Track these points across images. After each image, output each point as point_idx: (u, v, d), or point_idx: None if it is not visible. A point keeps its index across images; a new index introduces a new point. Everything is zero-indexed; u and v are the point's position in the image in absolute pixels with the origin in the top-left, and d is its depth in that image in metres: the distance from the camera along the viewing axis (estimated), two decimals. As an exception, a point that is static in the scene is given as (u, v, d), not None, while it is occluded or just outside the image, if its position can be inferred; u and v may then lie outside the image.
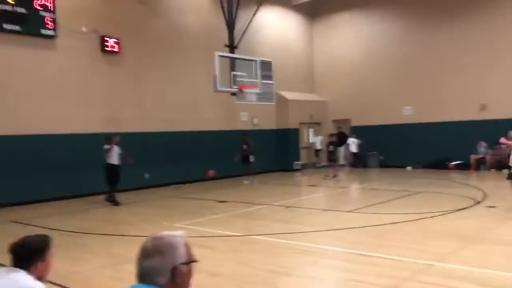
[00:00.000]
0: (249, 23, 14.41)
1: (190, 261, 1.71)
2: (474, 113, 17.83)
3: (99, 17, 14.47)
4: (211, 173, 15.74)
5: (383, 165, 20.08)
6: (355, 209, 10.09)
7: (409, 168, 19.22)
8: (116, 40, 14.75)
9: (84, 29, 14.03)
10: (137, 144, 14.34)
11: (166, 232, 1.76)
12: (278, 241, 7.35)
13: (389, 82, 20.36)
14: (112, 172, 11.70)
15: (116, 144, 11.82)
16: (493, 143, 17.09)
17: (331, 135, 18.36)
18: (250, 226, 8.73)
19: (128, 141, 13.27)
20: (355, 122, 21.37)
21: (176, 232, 1.77)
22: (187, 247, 1.73)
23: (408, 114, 19.81)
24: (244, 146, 16.45)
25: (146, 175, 14.57)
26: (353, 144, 20.60)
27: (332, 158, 17.25)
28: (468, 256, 6.13)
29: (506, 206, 9.78)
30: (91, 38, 14.27)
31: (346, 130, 21.14)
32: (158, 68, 16.12)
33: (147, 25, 15.87)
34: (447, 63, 18.64)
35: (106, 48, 14.55)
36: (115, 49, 14.77)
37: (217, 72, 12.68)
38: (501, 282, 5.11)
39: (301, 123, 21.10)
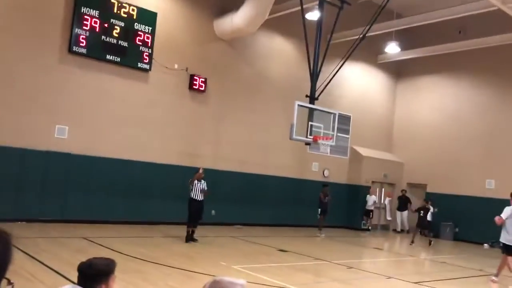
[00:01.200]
0: (333, 77, 14.53)
1: None
2: None
3: (190, 56, 15.37)
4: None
5: (457, 238, 18.82)
6: (423, 282, 9.47)
7: (486, 245, 17.82)
8: (204, 80, 15.51)
9: (176, 66, 14.94)
10: (208, 180, 14.73)
11: (227, 278, 1.76)
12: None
13: (472, 151, 19.36)
14: (198, 208, 11.62)
15: (202, 179, 11.76)
16: None
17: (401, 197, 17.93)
18: (307, 281, 8.49)
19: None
20: (431, 189, 20.39)
21: (239, 280, 1.76)
22: None
23: (490, 187, 18.60)
24: (326, 199, 16.38)
25: (213, 212, 14.82)
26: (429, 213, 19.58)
27: (423, 224, 16.62)
28: None
29: None
30: (181, 75, 15.14)
31: (421, 195, 20.21)
32: (238, 110, 16.65)
33: (233, 68, 16.58)
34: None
35: (193, 86, 15.34)
36: (202, 88, 15.51)
37: (295, 121, 12.82)
38: None
39: (373, 182, 20.53)
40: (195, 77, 15.34)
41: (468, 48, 18.45)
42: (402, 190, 20.26)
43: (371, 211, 19.61)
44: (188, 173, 13.21)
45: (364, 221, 19.68)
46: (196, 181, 11.55)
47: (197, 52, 15.62)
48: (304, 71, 14.85)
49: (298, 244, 13.61)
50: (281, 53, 18.20)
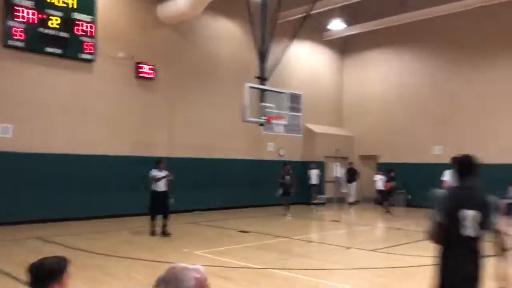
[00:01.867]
0: (281, 57, 14.64)
1: None
2: (506, 156, 17.38)
3: (136, 44, 14.99)
4: None
5: (410, 204, 19.66)
6: (379, 249, 9.87)
7: (436, 209, 18.74)
8: (151, 67, 15.20)
9: (120, 54, 14.54)
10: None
11: (183, 265, 1.75)
12: (297, 277, 7.24)
13: (419, 120, 20.15)
14: (163, 200, 10.90)
15: (164, 169, 11.09)
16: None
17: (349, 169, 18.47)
18: (270, 259, 8.64)
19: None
20: (382, 159, 21.12)
21: (195, 266, 1.75)
22: (200, 281, 1.69)
23: (437, 153, 19.47)
24: (287, 178, 15.95)
25: (172, 200, 14.67)
26: (380, 181, 20.28)
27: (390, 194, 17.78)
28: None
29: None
30: (127, 63, 14.75)
31: (373, 167, 20.90)
32: (190, 95, 16.48)
33: (181, 53, 16.34)
34: (479, 103, 18.36)
35: (140, 74, 15.01)
36: (150, 75, 15.21)
37: (247, 103, 12.86)
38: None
39: (327, 157, 21.01)
40: (142, 65, 15.00)
41: (409, 20, 18.99)
42: (349, 163, 20.75)
43: (315, 185, 19.46)
44: (144, 163, 13.03)
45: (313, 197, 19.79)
46: (157, 171, 10.89)
47: (142, 39, 15.25)
48: (253, 52, 14.88)
49: (258, 224, 13.79)
50: (229, 35, 18.09)
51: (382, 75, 21.69)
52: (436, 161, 19.38)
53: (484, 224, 3.49)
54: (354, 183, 20.32)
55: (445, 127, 19.35)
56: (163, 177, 10.93)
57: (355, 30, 20.91)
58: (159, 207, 10.87)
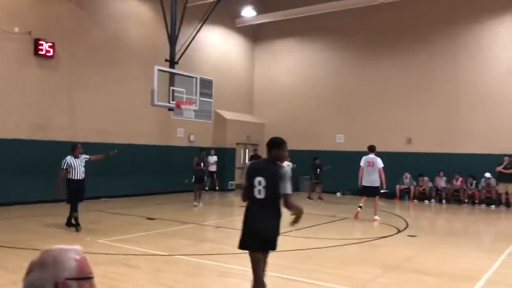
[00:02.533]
0: (191, 40, 14.37)
1: (83, 277, 1.52)
2: (401, 146, 18.78)
3: (33, 18, 13.84)
4: None
5: (314, 189, 20.54)
6: (283, 233, 10.16)
7: (338, 194, 19.82)
8: (51, 44, 14.15)
9: (16, 29, 13.36)
10: (66, 153, 13.74)
11: (59, 246, 1.60)
12: (204, 262, 7.23)
13: (324, 110, 21.06)
14: (80, 188, 9.90)
15: (80, 155, 9.97)
16: (417, 174, 18.11)
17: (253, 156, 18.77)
18: (176, 246, 8.54)
19: (56, 149, 12.62)
20: (290, 146, 21.61)
21: (71, 246, 1.61)
22: (81, 262, 1.54)
23: (340, 142, 20.52)
24: (201, 165, 14.82)
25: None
26: (287, 167, 20.90)
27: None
28: (386, 283, 6.36)
29: (425, 235, 10.30)
30: (23, 39, 13.59)
31: (281, 153, 21.46)
32: (94, 76, 15.62)
33: (85, 31, 15.40)
34: (379, 96, 19.60)
35: (39, 52, 13.91)
36: (50, 53, 14.15)
37: (156, 86, 12.50)
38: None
39: (238, 143, 21.20)
40: (40, 42, 13.90)
41: (319, 12, 19.64)
42: (254, 150, 20.98)
43: (213, 172, 19.29)
44: (42, 147, 12.17)
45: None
46: (72, 159, 9.83)
47: (41, 14, 14.11)
48: (163, 34, 14.45)
49: (167, 211, 13.57)
50: (137, 15, 17.39)
51: (291, 64, 22.28)
52: (339, 149, 20.46)
53: (272, 189, 4.31)
54: None
55: (346, 117, 20.42)
56: (83, 164, 9.90)
57: (266, 18, 21.19)
58: (77, 196, 9.89)
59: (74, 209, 9.80)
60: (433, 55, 18.56)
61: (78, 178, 9.85)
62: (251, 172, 4.47)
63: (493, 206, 16.43)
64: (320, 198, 17.80)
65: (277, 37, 22.65)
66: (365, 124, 19.82)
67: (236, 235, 9.79)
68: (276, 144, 4.52)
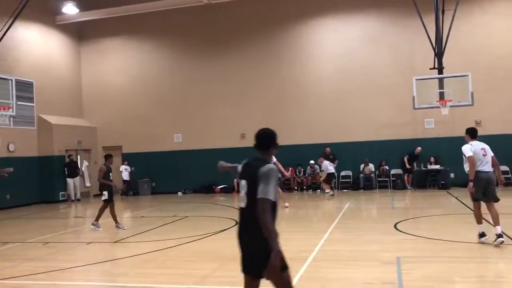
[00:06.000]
0: (1, 37, 12.81)
1: None
2: (236, 141, 19.54)
3: None
4: None
5: (155, 191, 20.23)
6: (122, 239, 9.74)
7: (180, 193, 19.82)
8: None
9: None
10: None
11: None
12: (27, 283, 6.47)
13: (159, 110, 20.81)
14: None
15: None
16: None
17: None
18: (-7, 270, 7.48)
19: None
20: (126, 149, 21.02)
21: None
22: None
23: (178, 141, 20.52)
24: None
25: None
26: (125, 171, 20.19)
27: None
28: (223, 275, 6.49)
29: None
30: None
31: (118, 157, 20.58)
32: None
33: None
34: (211, 94, 20.12)
35: None
36: None
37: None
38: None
39: (68, 150, 19.61)
40: None
41: (146, 10, 19.27)
42: (69, 155, 19.32)
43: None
44: None
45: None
46: None
47: None
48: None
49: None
50: None
51: (121, 64, 21.50)
52: (177, 149, 20.46)
53: (254, 194, 3.28)
54: (77, 178, 19.04)
55: (183, 116, 20.51)
56: None
57: (89, 16, 20.07)
58: None
59: None
60: (259, 53, 19.71)
61: None
62: (240, 175, 3.56)
63: (318, 191, 18.19)
64: None
65: (105, 35, 21.59)
66: (201, 122, 20.17)
67: (67, 250, 9.04)
68: (261, 137, 3.61)
